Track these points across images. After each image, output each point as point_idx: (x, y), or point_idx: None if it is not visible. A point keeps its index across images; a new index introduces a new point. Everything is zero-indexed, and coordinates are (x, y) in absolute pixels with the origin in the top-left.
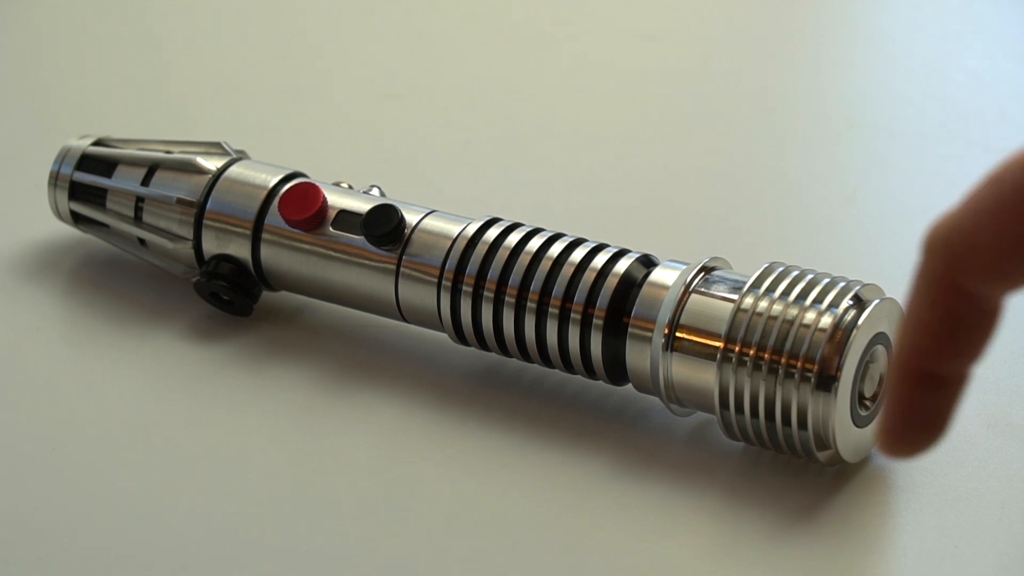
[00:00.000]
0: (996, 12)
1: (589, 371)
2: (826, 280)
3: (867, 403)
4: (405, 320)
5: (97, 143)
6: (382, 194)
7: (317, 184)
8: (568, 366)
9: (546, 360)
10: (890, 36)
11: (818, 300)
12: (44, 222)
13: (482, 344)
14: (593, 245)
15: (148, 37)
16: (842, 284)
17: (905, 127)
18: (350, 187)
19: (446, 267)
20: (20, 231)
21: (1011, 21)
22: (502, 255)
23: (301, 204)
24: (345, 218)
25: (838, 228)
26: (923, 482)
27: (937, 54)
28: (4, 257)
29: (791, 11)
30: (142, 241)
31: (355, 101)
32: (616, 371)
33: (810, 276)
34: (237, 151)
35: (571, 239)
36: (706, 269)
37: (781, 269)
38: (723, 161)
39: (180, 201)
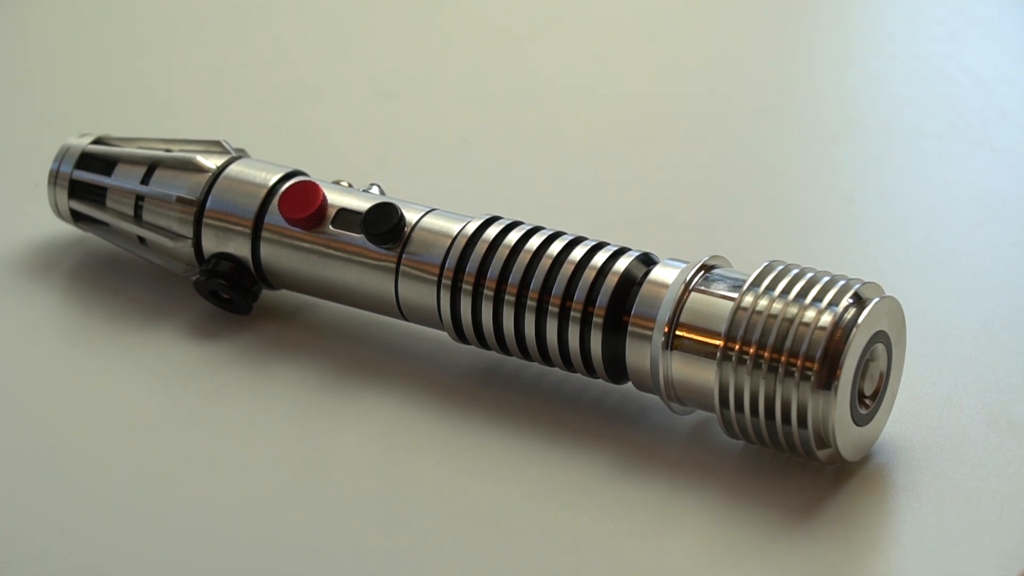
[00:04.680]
0: (996, 12)
1: (589, 369)
2: (826, 278)
3: (867, 401)
4: (405, 318)
5: (97, 141)
6: (382, 192)
7: (317, 182)
8: (568, 364)
9: (546, 358)
10: (889, 34)
11: (818, 298)
12: (44, 220)
13: (482, 342)
14: (593, 243)
15: (148, 36)
16: (842, 282)
17: (904, 126)
18: (350, 185)
19: (446, 265)
20: (20, 229)
21: (1011, 21)
22: (502, 253)
23: (301, 202)
24: (345, 216)
25: (837, 227)
26: (923, 481)
27: (937, 53)
28: (4, 256)
29: (789, 10)
30: (142, 239)
31: (354, 99)
32: (616, 369)
33: (810, 274)
34: (237, 149)
35: (571, 237)
36: (706, 267)
37: (781, 267)
38: (722, 159)
39: (180, 199)
